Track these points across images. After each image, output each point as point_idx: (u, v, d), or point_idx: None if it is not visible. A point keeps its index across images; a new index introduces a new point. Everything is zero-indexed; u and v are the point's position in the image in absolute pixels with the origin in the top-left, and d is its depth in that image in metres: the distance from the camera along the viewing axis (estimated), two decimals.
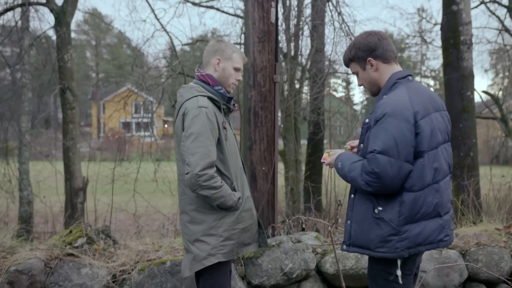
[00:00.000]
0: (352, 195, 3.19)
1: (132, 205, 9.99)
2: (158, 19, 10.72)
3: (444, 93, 11.09)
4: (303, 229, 5.27)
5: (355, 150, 3.35)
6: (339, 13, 12.97)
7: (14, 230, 5.74)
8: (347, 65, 3.33)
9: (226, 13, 15.89)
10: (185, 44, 15.04)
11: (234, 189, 3.54)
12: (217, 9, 16.54)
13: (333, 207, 7.44)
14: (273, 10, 5.61)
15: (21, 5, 9.63)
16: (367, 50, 3.15)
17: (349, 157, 3.13)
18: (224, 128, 3.57)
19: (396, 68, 3.19)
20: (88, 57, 60.05)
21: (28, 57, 10.84)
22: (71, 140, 9.13)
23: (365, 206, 3.05)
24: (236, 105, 3.83)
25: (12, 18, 9.95)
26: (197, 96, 3.49)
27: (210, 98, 3.53)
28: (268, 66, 5.60)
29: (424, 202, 2.99)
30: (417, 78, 53.23)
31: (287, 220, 5.26)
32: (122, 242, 4.75)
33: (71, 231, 4.57)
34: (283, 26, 16.17)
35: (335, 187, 11.97)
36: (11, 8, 9.69)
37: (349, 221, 3.16)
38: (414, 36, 28.95)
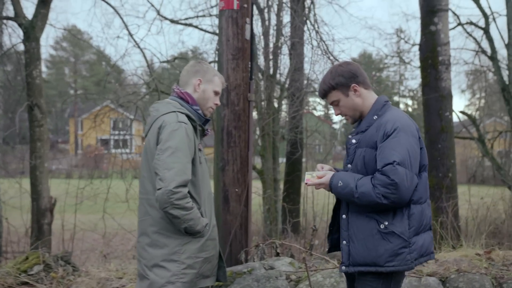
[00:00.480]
0: (344, 216, 3.19)
1: (103, 225, 9.66)
2: (131, 35, 10.46)
3: (423, 113, 11.02)
4: (277, 254, 5.03)
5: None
6: (317, 32, 12.87)
7: None
8: (325, 95, 3.34)
9: (205, 30, 15.71)
10: (163, 62, 14.81)
11: (201, 215, 3.35)
12: (196, 27, 16.31)
13: (309, 230, 7.21)
14: (247, 26, 5.44)
15: None
16: (351, 77, 3.22)
17: (349, 174, 3.13)
18: (199, 149, 3.43)
19: (374, 94, 3.31)
20: (67, 74, 59.56)
21: None
22: (39, 158, 8.80)
23: (367, 224, 3.07)
24: (209, 130, 3.70)
25: None
26: (175, 111, 3.35)
27: (187, 116, 3.39)
28: (242, 84, 5.41)
29: (426, 215, 3.14)
30: (395, 98, 53.68)
31: (261, 245, 5.00)
32: (83, 269, 4.46)
33: (27, 258, 4.29)
34: (262, 43, 16.05)
35: (314, 207, 11.74)
36: None
37: (345, 241, 3.16)
38: (393, 56, 29.08)
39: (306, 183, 3.26)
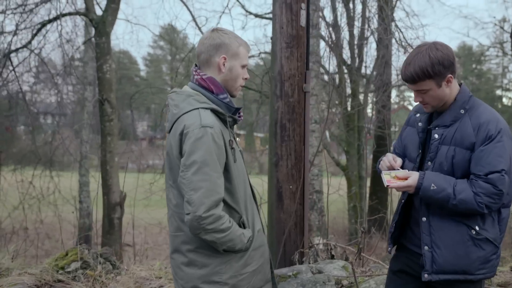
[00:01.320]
0: (425, 218, 2.95)
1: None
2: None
3: None
4: (332, 256, 4.64)
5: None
6: (397, 26, 12.32)
7: (14, 249, 5.40)
8: (416, 81, 2.88)
9: None
10: (251, 57, 14.64)
11: (243, 224, 2.92)
12: None
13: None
14: (303, 12, 5.10)
15: (61, 16, 9.47)
16: (450, 66, 2.85)
17: (441, 176, 2.86)
18: (232, 148, 2.89)
19: (457, 82, 2.98)
20: (164, 72, 61.15)
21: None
22: (109, 153, 8.86)
23: (455, 228, 2.87)
24: (241, 114, 3.12)
25: (55, 29, 9.81)
26: (198, 109, 2.80)
27: (213, 111, 2.84)
28: (297, 74, 5.09)
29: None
30: (498, 92, 50.96)
31: (315, 246, 4.64)
32: (124, 267, 4.25)
33: (67, 254, 4.14)
34: (347, 35, 15.53)
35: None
36: (55, 19, 9.55)
37: (427, 247, 2.93)
38: (494, 47, 27.43)
39: (387, 186, 2.92)
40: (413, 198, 3.05)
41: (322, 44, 14.29)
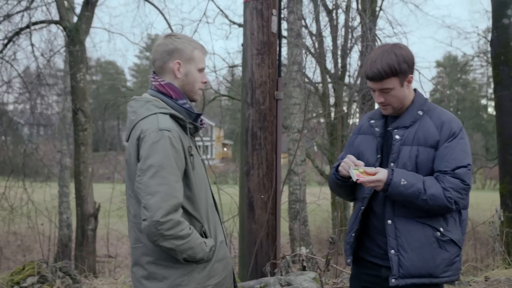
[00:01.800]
0: (390, 221, 2.86)
1: None
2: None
3: (495, 114, 10.10)
4: (303, 268, 4.52)
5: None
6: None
7: None
8: (382, 78, 2.83)
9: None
10: (232, 66, 14.54)
11: (205, 234, 2.79)
12: None
13: None
14: (274, 18, 5.01)
15: (32, 24, 9.33)
16: (412, 66, 2.88)
17: (411, 173, 2.80)
18: (191, 155, 2.77)
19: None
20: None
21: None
22: (83, 163, 8.69)
23: (422, 230, 2.81)
24: (204, 122, 3.03)
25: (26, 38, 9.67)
26: (156, 113, 2.70)
27: (172, 116, 2.75)
28: (268, 81, 5.00)
29: None
30: (483, 101, 51.29)
31: (286, 257, 4.51)
32: (86, 281, 4.09)
33: (24, 268, 3.97)
34: (330, 45, 15.48)
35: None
36: (26, 27, 9.40)
37: (393, 251, 2.83)
38: (477, 56, 27.52)
39: (356, 180, 2.80)
40: (373, 204, 2.96)
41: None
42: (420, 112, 2.91)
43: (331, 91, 16.12)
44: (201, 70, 2.88)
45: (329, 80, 15.93)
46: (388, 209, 2.88)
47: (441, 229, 2.81)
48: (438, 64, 52.54)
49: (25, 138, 15.03)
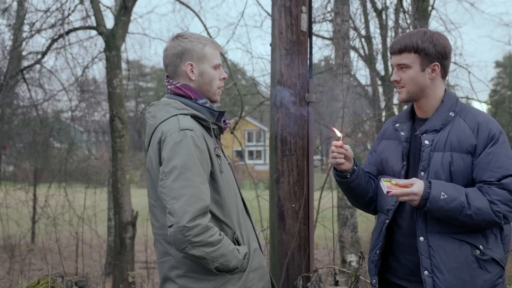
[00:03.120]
0: (422, 238, 2.56)
1: None
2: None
3: None
4: (336, 283, 4.21)
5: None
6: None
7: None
8: (402, 51, 2.66)
9: (322, 37, 14.85)
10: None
11: (237, 241, 2.60)
12: (315, 35, 15.51)
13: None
14: (304, 16, 4.74)
15: (73, 30, 9.35)
16: (440, 53, 2.64)
17: (450, 185, 2.51)
18: (218, 156, 2.62)
19: (444, 86, 2.75)
20: None
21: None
22: (120, 170, 8.60)
23: (460, 249, 2.53)
24: (228, 122, 2.86)
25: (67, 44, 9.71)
26: (176, 115, 2.57)
27: (194, 117, 2.60)
28: (298, 83, 4.74)
29: None
30: None
31: (319, 270, 4.22)
32: None
33: (38, 282, 3.81)
34: (380, 47, 15.06)
35: None
36: (67, 33, 9.44)
37: (427, 272, 2.54)
38: None
39: (387, 192, 2.54)
40: (397, 217, 2.68)
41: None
42: (452, 114, 2.63)
43: (381, 94, 15.69)
44: (216, 66, 2.73)
45: (379, 82, 15.50)
46: (420, 224, 2.59)
47: (481, 247, 2.54)
48: (498, 64, 50.85)
49: (79, 145, 15.21)
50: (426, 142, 2.59)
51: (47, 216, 10.68)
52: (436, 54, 2.63)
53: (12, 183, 12.13)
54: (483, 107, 14.73)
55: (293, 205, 4.72)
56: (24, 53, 10.41)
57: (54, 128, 11.98)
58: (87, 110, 12.48)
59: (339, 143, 2.73)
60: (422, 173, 2.58)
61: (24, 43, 10.26)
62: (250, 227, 2.76)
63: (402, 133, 2.70)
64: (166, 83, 2.76)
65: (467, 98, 15.64)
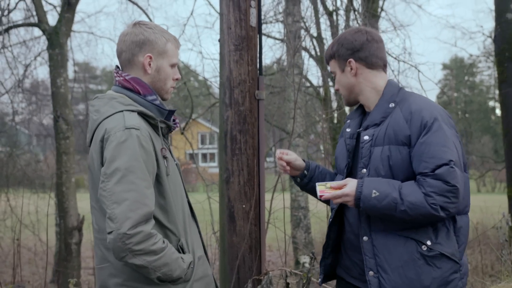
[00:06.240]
0: (366, 237, 2.49)
1: None
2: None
3: (501, 113, 9.65)
4: (287, 285, 4.08)
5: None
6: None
7: None
8: (327, 62, 2.76)
9: (274, 38, 14.77)
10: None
11: (181, 249, 2.43)
12: (266, 35, 15.44)
13: None
14: (253, 10, 4.60)
15: (12, 27, 9.00)
16: (350, 49, 2.64)
17: (384, 181, 2.41)
18: (165, 157, 2.45)
19: (385, 76, 2.68)
20: None
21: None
22: (65, 173, 8.28)
23: (403, 246, 2.43)
24: (177, 122, 2.68)
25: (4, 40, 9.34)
26: (122, 111, 2.38)
27: (141, 114, 2.42)
28: (248, 80, 4.60)
29: (468, 228, 2.57)
30: (491, 103, 50.68)
31: (269, 273, 4.07)
32: None
33: None
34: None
35: None
36: (7, 30, 9.10)
37: (371, 272, 2.45)
38: (483, 56, 27.02)
39: (320, 197, 2.50)
40: (347, 214, 2.61)
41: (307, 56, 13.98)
42: (392, 105, 2.56)
43: (333, 94, 15.74)
44: (173, 65, 2.58)
45: (330, 83, 15.54)
46: (363, 223, 2.50)
47: (428, 242, 2.43)
48: (445, 67, 51.99)
49: (26, 148, 14.72)
50: (366, 137, 2.53)
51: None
52: (347, 52, 2.63)
53: None
54: None
55: (244, 206, 4.58)
56: None
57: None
58: (33, 112, 12.09)
59: (281, 153, 2.79)
60: (364, 170, 2.52)
61: None
62: (196, 233, 2.62)
63: (348, 130, 2.67)
64: (115, 74, 2.56)
65: None
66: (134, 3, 9.33)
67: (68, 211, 8.40)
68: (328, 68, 2.79)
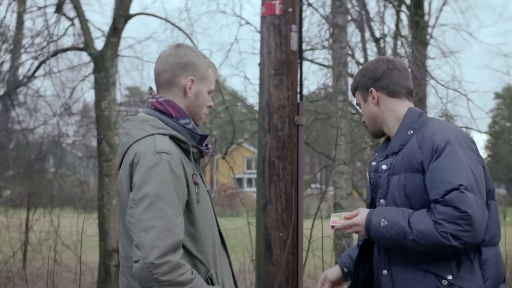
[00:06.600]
0: (386, 271, 2.38)
1: None
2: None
3: None
4: None
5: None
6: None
7: None
8: (353, 94, 2.75)
9: (320, 64, 14.58)
10: None
11: (211, 280, 2.31)
12: (311, 61, 15.32)
13: None
14: (294, 35, 4.56)
15: (60, 51, 9.21)
16: (371, 78, 2.62)
17: (393, 209, 2.32)
18: (196, 183, 2.34)
19: (409, 104, 2.62)
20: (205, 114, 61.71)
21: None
22: (106, 195, 8.33)
23: (422, 280, 2.30)
24: (210, 147, 2.58)
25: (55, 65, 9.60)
26: (153, 134, 2.30)
27: (173, 138, 2.33)
28: (287, 105, 4.52)
29: (501, 261, 2.40)
30: None
31: None
32: None
33: None
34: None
35: None
36: (55, 54, 9.30)
37: None
38: None
39: (332, 227, 2.46)
40: (373, 250, 2.52)
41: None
42: (410, 132, 2.47)
43: None
44: (210, 92, 2.50)
45: None
46: (382, 256, 2.41)
47: (449, 277, 2.27)
48: (497, 96, 50.82)
49: (77, 170, 14.99)
50: (384, 167, 2.45)
51: (37, 242, 10.43)
52: (368, 81, 2.61)
53: (9, 208, 11.87)
54: (483, 137, 14.52)
55: (281, 234, 4.46)
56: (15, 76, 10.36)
57: (48, 152, 11.77)
58: (85, 134, 12.30)
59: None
60: (382, 200, 2.43)
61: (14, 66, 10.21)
62: (226, 263, 2.50)
63: (373, 163, 2.59)
64: (148, 96, 2.49)
65: (466, 128, 15.44)
66: (179, 28, 9.45)
67: (108, 233, 8.45)
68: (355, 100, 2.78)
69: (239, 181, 42.86)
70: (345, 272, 2.76)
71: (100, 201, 8.65)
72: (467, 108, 10.81)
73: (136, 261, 2.10)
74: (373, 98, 2.59)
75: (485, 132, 15.63)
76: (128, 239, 2.27)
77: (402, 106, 2.57)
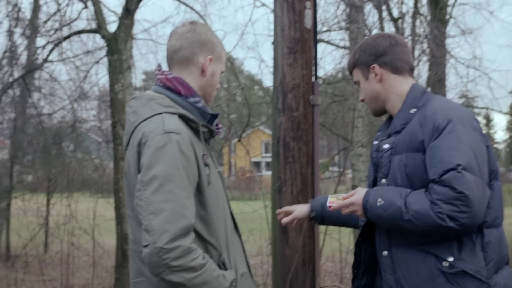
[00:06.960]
0: (386, 252, 2.38)
1: None
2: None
3: None
4: None
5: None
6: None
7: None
8: (350, 71, 2.66)
9: (337, 45, 14.39)
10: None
11: (223, 265, 2.24)
12: (327, 42, 15.10)
13: None
14: (308, 12, 4.42)
15: (73, 34, 9.15)
16: (373, 54, 2.55)
17: (390, 189, 2.27)
18: (206, 164, 2.26)
19: (411, 81, 2.56)
20: (221, 97, 61.61)
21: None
22: (122, 179, 8.26)
23: (422, 261, 2.26)
24: (220, 126, 2.51)
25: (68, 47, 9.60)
26: (161, 113, 2.22)
27: (182, 117, 2.25)
28: (302, 84, 4.40)
29: (504, 242, 2.35)
30: None
31: None
32: None
33: None
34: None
35: None
36: (67, 37, 9.27)
37: None
38: None
39: (329, 207, 2.41)
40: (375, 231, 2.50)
41: None
42: (413, 110, 2.41)
43: None
44: (222, 73, 2.45)
45: None
46: (383, 236, 2.38)
47: (450, 259, 2.23)
48: None
49: (95, 154, 15.01)
50: (385, 146, 2.40)
51: (55, 226, 10.52)
52: (370, 57, 2.54)
53: (30, 193, 11.98)
54: (505, 118, 14.29)
55: None
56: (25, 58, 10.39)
57: (65, 137, 11.80)
58: (100, 120, 12.28)
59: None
60: (383, 180, 2.38)
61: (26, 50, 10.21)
62: (239, 247, 2.43)
63: (375, 142, 2.53)
64: (157, 72, 2.41)
65: (487, 108, 15.16)
66: (192, 9, 9.34)
67: (125, 217, 8.38)
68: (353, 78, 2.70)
69: (257, 164, 42.92)
70: (312, 215, 2.87)
71: (116, 184, 8.60)
72: (488, 87, 10.61)
73: (145, 246, 2.04)
74: (376, 75, 2.53)
75: (506, 113, 15.33)
76: (136, 222, 2.21)
77: (406, 83, 2.52)
